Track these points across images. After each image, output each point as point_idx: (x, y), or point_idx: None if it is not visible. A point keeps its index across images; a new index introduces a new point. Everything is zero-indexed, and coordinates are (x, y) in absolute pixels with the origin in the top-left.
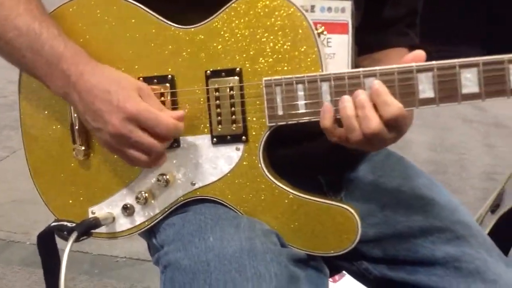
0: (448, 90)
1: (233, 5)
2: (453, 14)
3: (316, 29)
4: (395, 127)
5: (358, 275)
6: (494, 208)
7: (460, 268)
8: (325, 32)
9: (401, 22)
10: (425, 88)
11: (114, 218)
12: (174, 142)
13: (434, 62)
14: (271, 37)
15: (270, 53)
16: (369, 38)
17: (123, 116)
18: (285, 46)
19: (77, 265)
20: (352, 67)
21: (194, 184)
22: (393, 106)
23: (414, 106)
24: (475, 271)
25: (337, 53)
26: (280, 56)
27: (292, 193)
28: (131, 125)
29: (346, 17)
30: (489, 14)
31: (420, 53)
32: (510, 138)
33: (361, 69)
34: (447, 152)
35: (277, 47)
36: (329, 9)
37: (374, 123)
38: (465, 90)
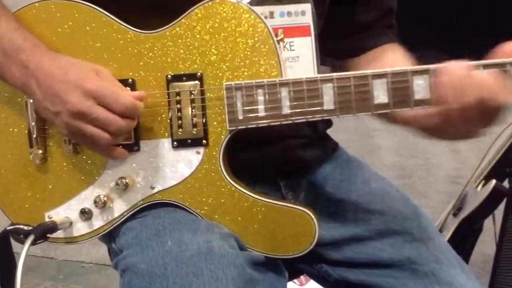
0: (401, 96)
1: (195, 10)
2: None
3: (277, 35)
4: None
5: (319, 278)
6: (456, 211)
7: (416, 270)
8: (284, 39)
9: (377, 24)
10: (380, 94)
11: (71, 223)
12: (134, 146)
13: (388, 69)
14: (232, 43)
15: (230, 59)
16: (347, 43)
17: (81, 93)
18: (246, 52)
19: (43, 271)
20: (318, 68)
21: (153, 188)
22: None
23: (369, 111)
24: (431, 273)
25: (301, 56)
26: (240, 61)
27: (252, 196)
28: (89, 102)
29: (307, 19)
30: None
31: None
32: (474, 143)
33: (319, 75)
34: (414, 157)
35: (237, 52)
36: (289, 13)
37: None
38: (417, 96)
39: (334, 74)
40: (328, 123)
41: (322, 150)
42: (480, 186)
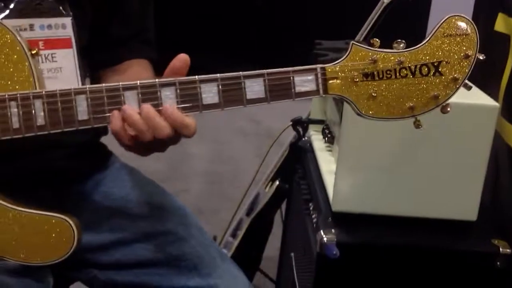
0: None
1: None
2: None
3: (38, 47)
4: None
5: (89, 284)
6: (249, 211)
7: (179, 266)
8: (42, 51)
9: (133, 39)
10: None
11: None
12: None
13: (138, 82)
14: None
15: None
16: (102, 55)
17: None
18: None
19: None
20: (83, 79)
21: None
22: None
23: None
24: (193, 267)
25: (64, 67)
26: None
27: (12, 207)
28: None
29: (68, 32)
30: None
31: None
32: (279, 147)
33: (72, 87)
34: (224, 164)
35: None
36: (49, 26)
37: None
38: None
39: (87, 86)
40: (105, 131)
41: (93, 159)
42: (268, 187)
